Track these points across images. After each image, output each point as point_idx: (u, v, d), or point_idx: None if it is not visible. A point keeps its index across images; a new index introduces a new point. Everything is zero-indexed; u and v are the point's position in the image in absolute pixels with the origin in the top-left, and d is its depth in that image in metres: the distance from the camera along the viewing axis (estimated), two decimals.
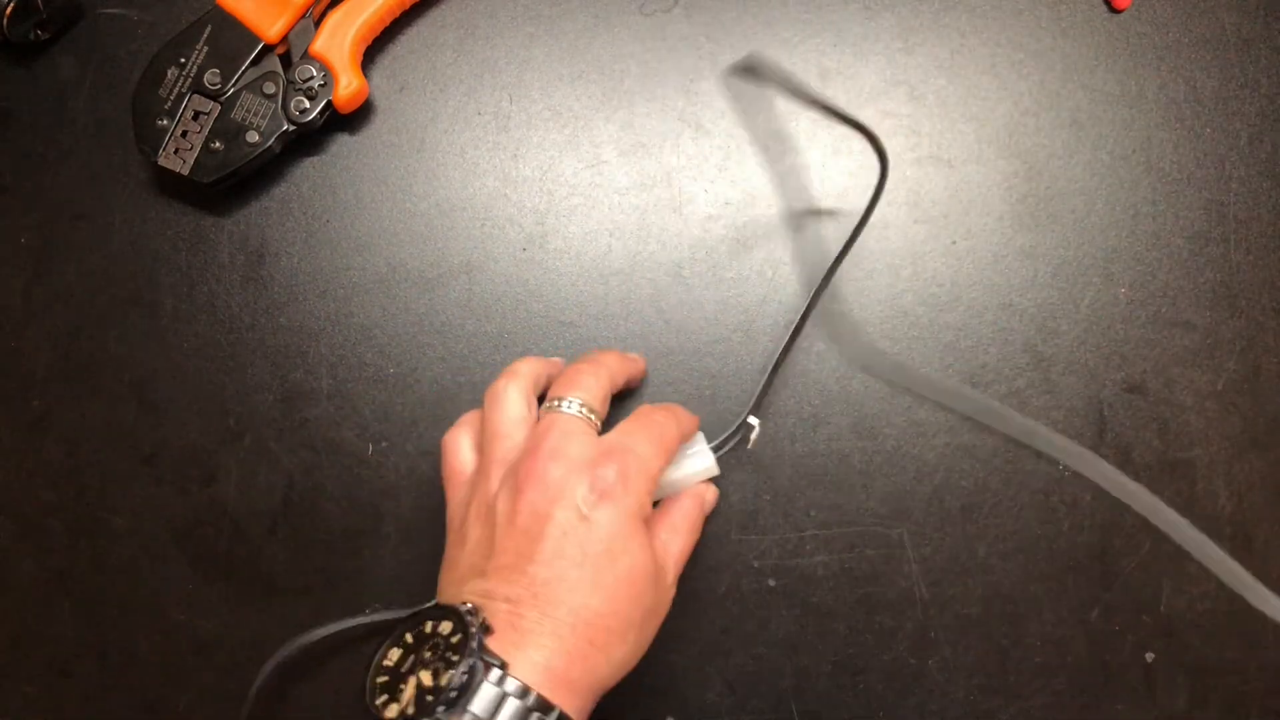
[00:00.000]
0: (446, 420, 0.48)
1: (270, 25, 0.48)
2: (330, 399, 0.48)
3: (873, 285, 0.48)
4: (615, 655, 0.35)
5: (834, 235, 0.48)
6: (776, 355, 0.46)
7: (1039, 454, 0.46)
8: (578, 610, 0.34)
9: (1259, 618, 0.45)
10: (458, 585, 0.36)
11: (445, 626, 0.34)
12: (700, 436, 0.43)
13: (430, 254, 0.49)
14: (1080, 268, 0.48)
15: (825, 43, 0.50)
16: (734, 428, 0.45)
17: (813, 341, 0.47)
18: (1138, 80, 0.49)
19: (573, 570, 0.35)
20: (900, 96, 0.49)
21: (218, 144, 0.47)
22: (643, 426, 0.39)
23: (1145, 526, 0.46)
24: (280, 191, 0.50)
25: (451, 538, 0.39)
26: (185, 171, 0.47)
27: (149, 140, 0.47)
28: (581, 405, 0.38)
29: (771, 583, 0.46)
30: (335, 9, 0.49)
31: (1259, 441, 0.47)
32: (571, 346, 0.48)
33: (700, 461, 0.43)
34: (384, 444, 0.48)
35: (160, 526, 0.48)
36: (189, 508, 0.48)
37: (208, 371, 0.49)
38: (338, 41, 0.48)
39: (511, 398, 0.40)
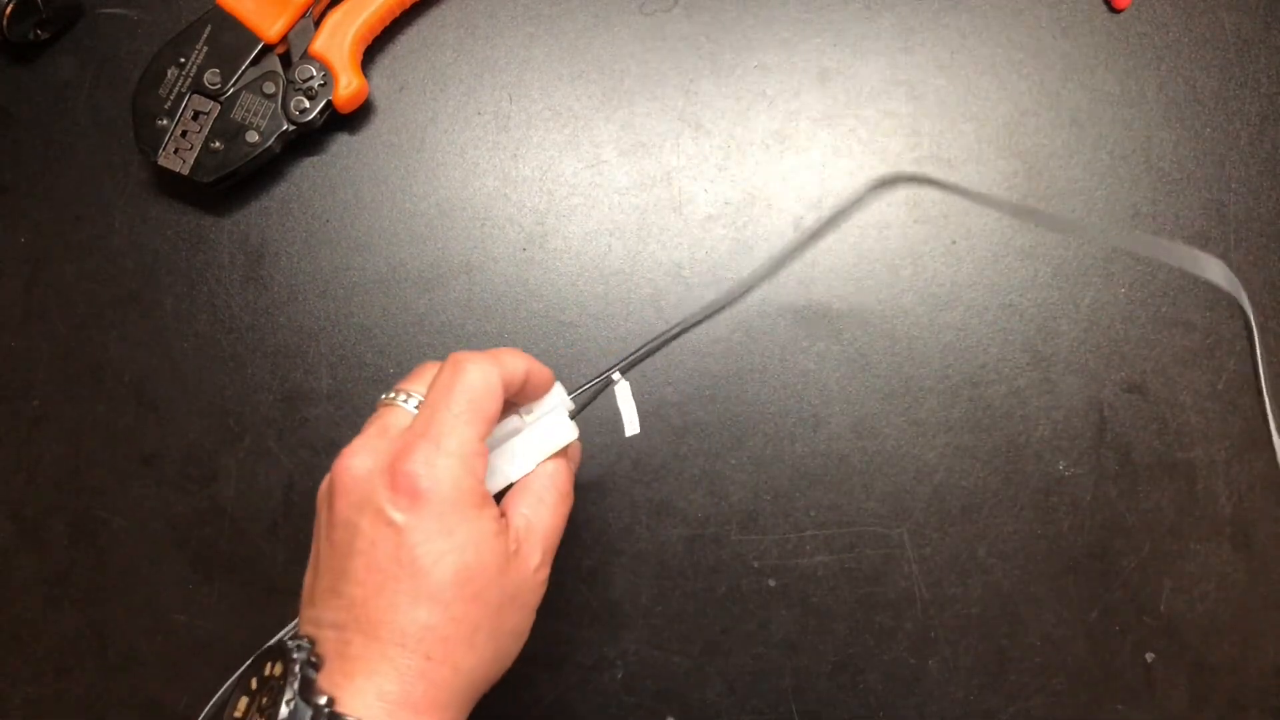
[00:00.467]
0: None
1: (270, 25, 0.48)
2: (330, 399, 0.48)
3: (873, 285, 0.48)
4: (464, 664, 0.32)
5: (834, 235, 0.48)
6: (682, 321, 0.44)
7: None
8: (404, 628, 0.31)
9: (1259, 617, 0.45)
10: (302, 612, 0.34)
11: (277, 668, 0.31)
12: (557, 389, 0.38)
13: (430, 254, 0.49)
14: (1080, 268, 0.48)
15: (825, 43, 0.50)
16: (594, 380, 0.40)
17: (813, 341, 0.47)
18: (1138, 80, 0.49)
19: (389, 583, 0.31)
20: (900, 96, 0.49)
21: (218, 144, 0.47)
22: (446, 392, 0.33)
23: (1145, 526, 0.46)
24: (280, 191, 0.50)
25: None
26: (185, 171, 0.47)
27: (149, 140, 0.47)
28: (422, 398, 0.34)
29: (771, 583, 0.46)
30: (335, 9, 0.49)
31: (1259, 441, 0.47)
32: (571, 346, 0.48)
33: (555, 429, 0.37)
34: None
35: (160, 526, 0.48)
36: (189, 508, 0.48)
37: (208, 371, 0.49)
38: (338, 41, 0.48)
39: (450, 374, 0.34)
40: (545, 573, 0.35)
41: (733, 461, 0.47)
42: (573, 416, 0.38)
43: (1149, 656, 0.46)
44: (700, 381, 0.47)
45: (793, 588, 0.46)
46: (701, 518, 0.47)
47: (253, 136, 0.47)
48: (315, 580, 0.33)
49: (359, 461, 0.33)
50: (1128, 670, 0.46)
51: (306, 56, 0.48)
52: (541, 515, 0.35)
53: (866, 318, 0.48)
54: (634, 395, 0.40)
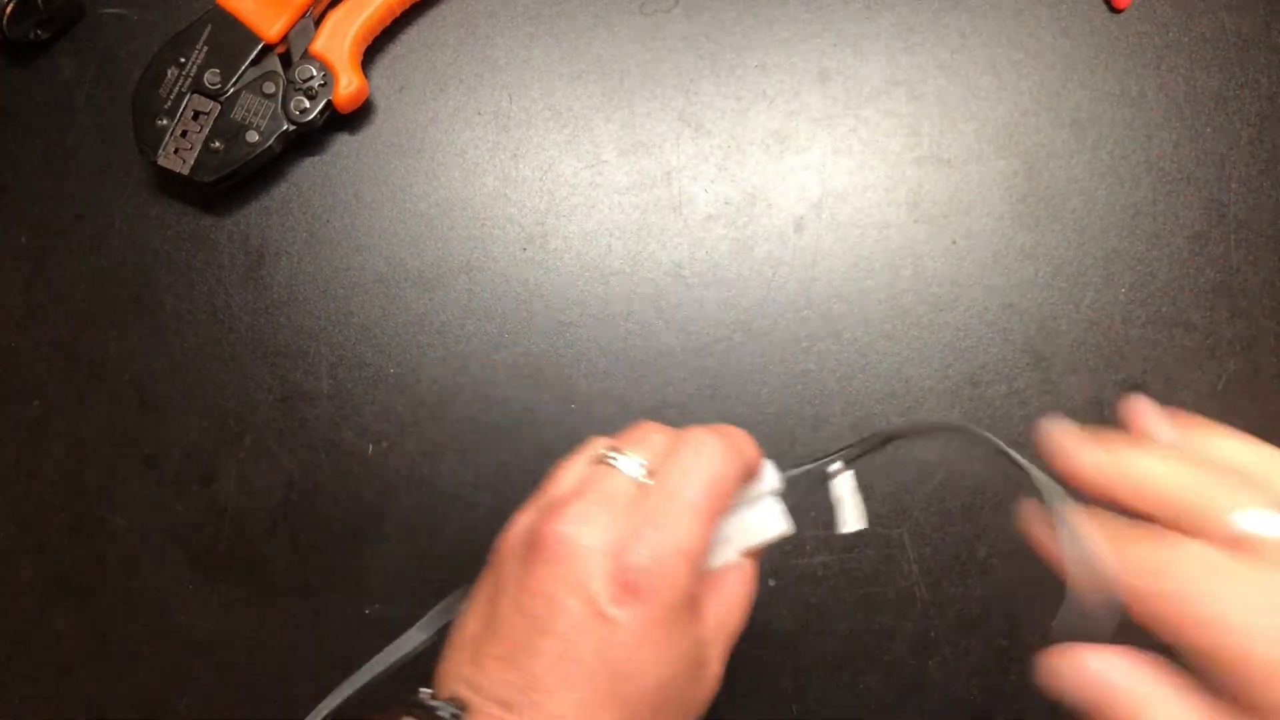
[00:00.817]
0: (446, 420, 0.48)
1: (270, 25, 0.48)
2: (330, 399, 0.48)
3: (873, 285, 0.48)
4: None
5: (833, 237, 0.48)
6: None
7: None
8: None
9: None
10: (454, 664, 0.30)
11: None
12: (769, 471, 0.34)
13: (430, 254, 0.49)
14: (1080, 268, 0.48)
15: (825, 43, 0.50)
16: (811, 463, 0.35)
17: (813, 341, 0.47)
18: (1138, 80, 0.49)
19: (584, 680, 0.28)
20: (900, 96, 0.49)
21: (218, 144, 0.47)
22: (684, 476, 0.30)
23: None
24: (280, 191, 0.50)
25: (471, 595, 0.32)
26: (185, 171, 0.47)
27: (149, 140, 0.47)
28: (643, 466, 0.31)
29: (771, 583, 0.46)
30: (335, 9, 0.49)
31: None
32: (571, 346, 0.48)
33: (767, 519, 0.33)
34: (384, 444, 0.48)
35: (160, 526, 0.48)
36: (189, 508, 0.48)
37: (208, 371, 0.49)
38: (338, 41, 0.48)
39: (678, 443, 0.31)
40: (719, 677, 0.32)
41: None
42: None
43: None
44: (700, 381, 0.47)
45: (793, 588, 0.46)
46: None
47: (253, 136, 0.47)
48: (484, 637, 0.29)
49: (583, 534, 0.28)
50: None
51: (306, 56, 0.48)
52: (730, 620, 0.32)
53: (866, 318, 0.48)
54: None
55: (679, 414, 0.47)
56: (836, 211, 0.48)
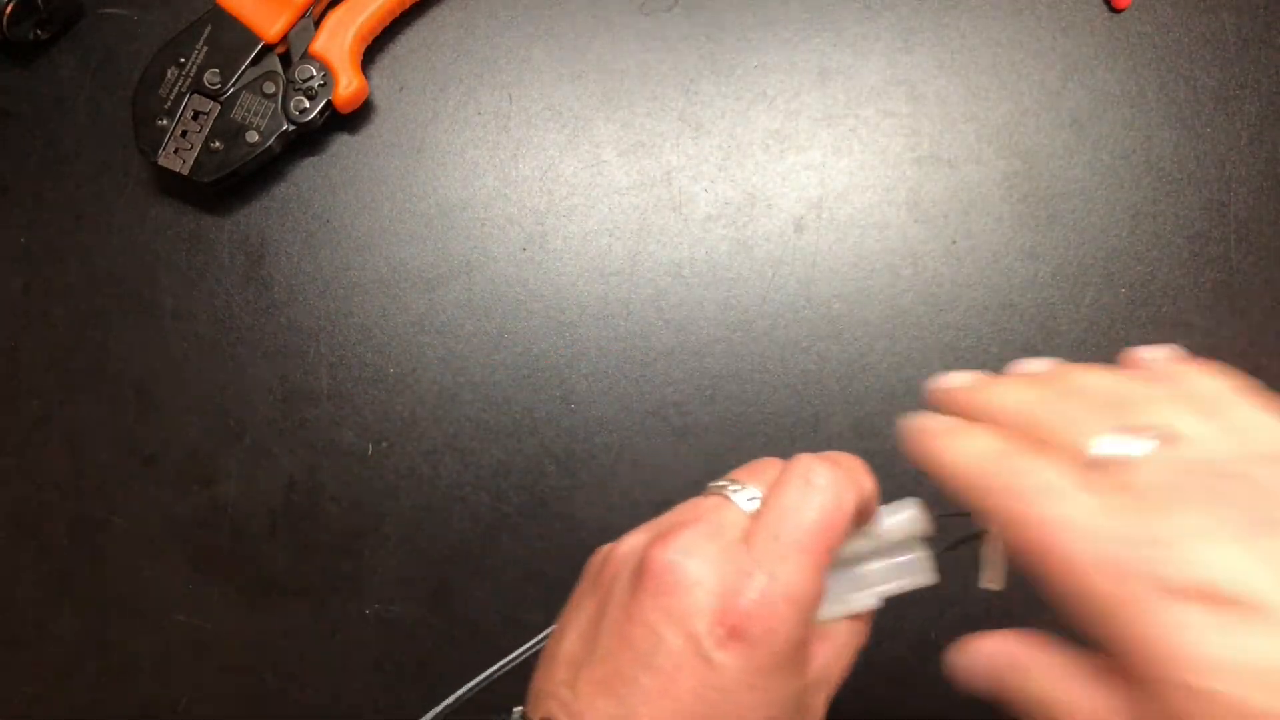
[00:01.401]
0: (447, 420, 0.48)
1: (270, 25, 0.48)
2: (330, 399, 0.48)
3: (873, 285, 0.48)
4: None
5: (833, 237, 0.48)
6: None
7: None
8: None
9: None
10: (549, 682, 0.29)
11: None
12: (912, 511, 0.31)
13: (430, 254, 0.49)
14: (1080, 268, 0.48)
15: (825, 43, 0.50)
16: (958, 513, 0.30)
17: (813, 341, 0.47)
18: (1138, 80, 0.49)
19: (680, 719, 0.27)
20: (900, 96, 0.49)
21: (218, 144, 0.47)
22: (794, 514, 0.28)
23: None
24: (280, 191, 0.50)
25: (569, 605, 0.31)
26: (185, 171, 0.47)
27: (149, 140, 0.47)
28: (757, 500, 0.29)
29: None
30: (335, 9, 0.49)
31: None
32: (571, 346, 0.48)
33: (914, 568, 0.31)
34: (384, 444, 0.48)
35: (160, 526, 0.48)
36: (189, 508, 0.48)
37: (208, 371, 0.49)
38: (338, 41, 0.48)
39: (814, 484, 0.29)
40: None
41: (733, 461, 0.47)
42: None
43: None
44: (700, 381, 0.47)
45: None
46: None
47: (253, 136, 0.47)
48: (584, 656, 0.28)
49: (691, 566, 0.27)
50: None
51: (306, 56, 0.48)
52: (836, 668, 0.30)
53: (866, 318, 0.48)
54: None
55: (679, 414, 0.47)
56: (836, 211, 0.48)
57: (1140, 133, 0.49)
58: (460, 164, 0.50)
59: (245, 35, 0.48)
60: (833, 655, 0.30)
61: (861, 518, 0.30)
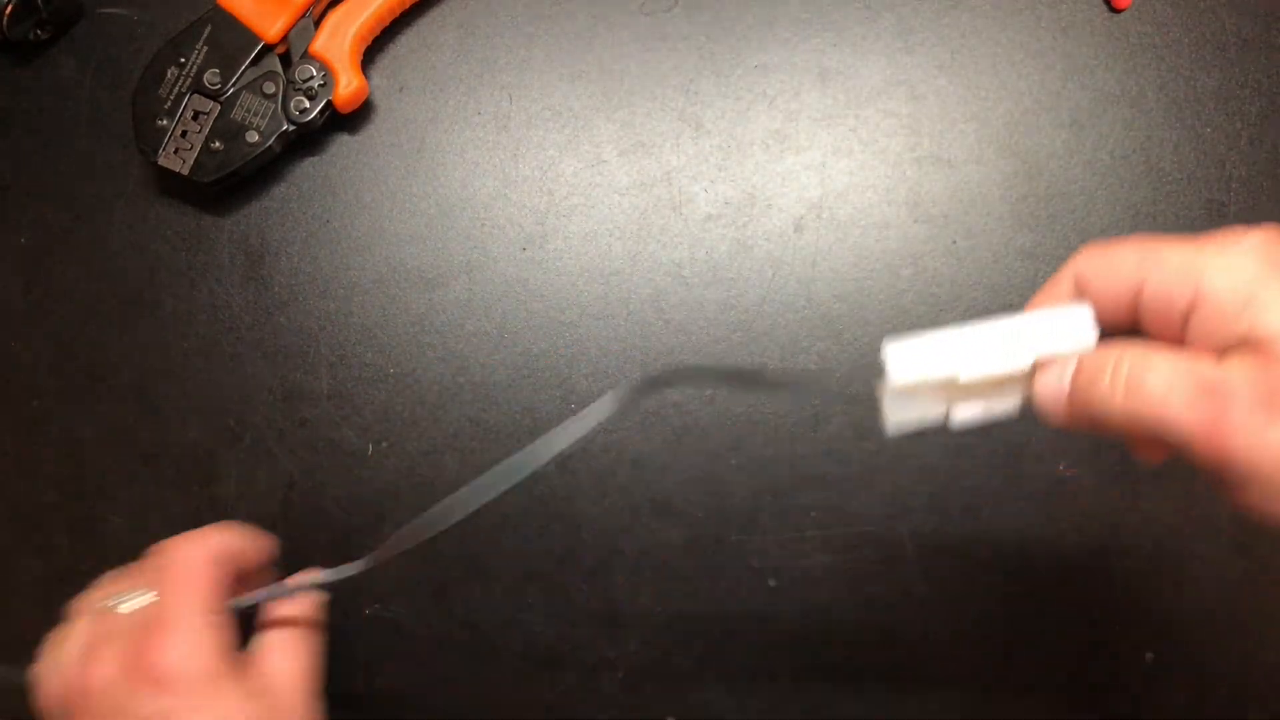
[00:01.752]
0: (447, 420, 0.48)
1: (270, 25, 0.48)
2: (330, 399, 0.48)
3: (873, 285, 0.48)
4: None
5: (833, 237, 0.48)
6: None
7: (1033, 456, 0.46)
8: None
9: (1259, 618, 0.45)
10: None
11: None
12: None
13: (430, 254, 0.49)
14: None
15: (825, 43, 0.50)
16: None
17: (813, 341, 0.47)
18: (1138, 80, 0.49)
19: None
20: (900, 96, 0.49)
21: (218, 144, 0.47)
22: (160, 575, 0.35)
23: (1145, 526, 0.46)
24: (280, 191, 0.50)
25: None
26: (185, 171, 0.47)
27: (149, 140, 0.47)
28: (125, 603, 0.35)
29: (772, 583, 0.46)
30: (335, 9, 0.49)
31: None
32: (571, 346, 0.48)
33: (1072, 328, 0.30)
34: (384, 444, 0.48)
35: (160, 526, 0.48)
36: (189, 508, 0.48)
37: (208, 371, 0.49)
38: (338, 41, 0.48)
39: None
40: (314, 713, 0.36)
41: (733, 462, 0.47)
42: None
43: (1149, 656, 0.46)
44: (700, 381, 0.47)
45: (793, 588, 0.46)
46: (701, 518, 0.46)
47: (253, 136, 0.47)
48: None
49: (98, 671, 0.32)
50: (1128, 670, 0.46)
51: (306, 56, 0.48)
52: (289, 664, 0.36)
53: (866, 318, 0.48)
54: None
55: (679, 414, 0.47)
56: (836, 211, 0.48)
57: (1140, 133, 0.49)
58: (460, 164, 0.50)
59: (245, 35, 0.48)
60: (279, 648, 0.37)
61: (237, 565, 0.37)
